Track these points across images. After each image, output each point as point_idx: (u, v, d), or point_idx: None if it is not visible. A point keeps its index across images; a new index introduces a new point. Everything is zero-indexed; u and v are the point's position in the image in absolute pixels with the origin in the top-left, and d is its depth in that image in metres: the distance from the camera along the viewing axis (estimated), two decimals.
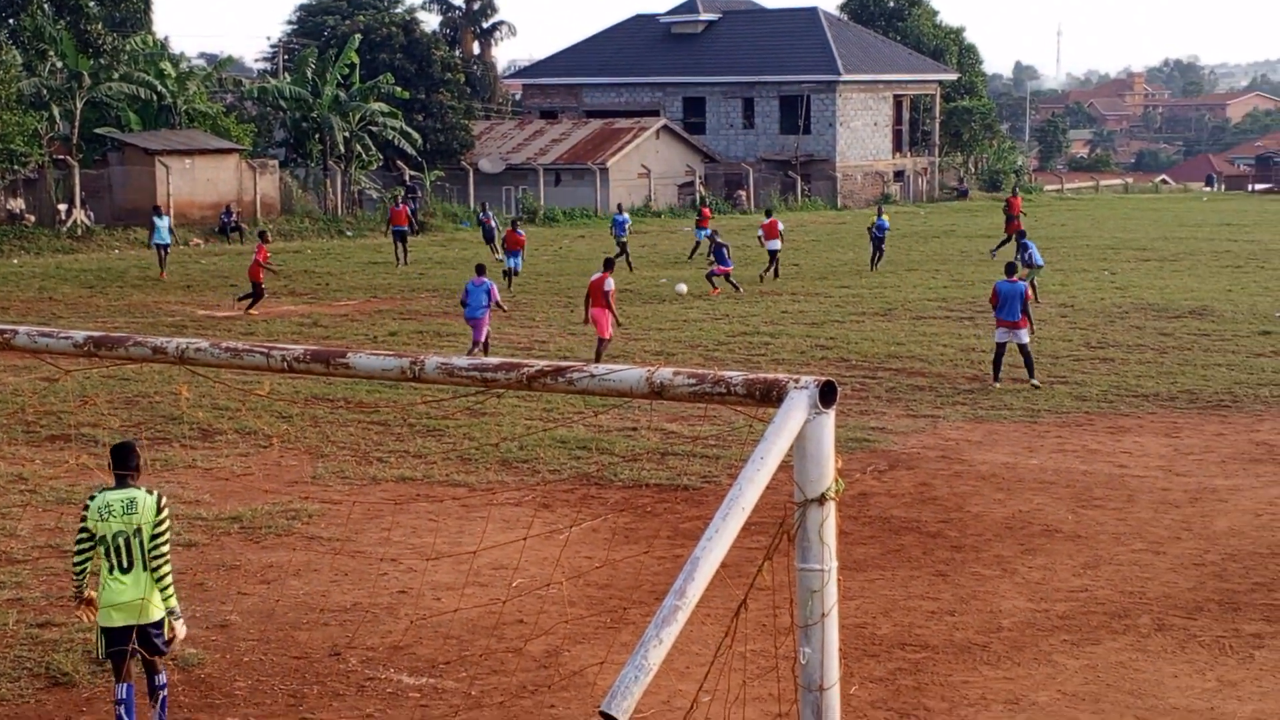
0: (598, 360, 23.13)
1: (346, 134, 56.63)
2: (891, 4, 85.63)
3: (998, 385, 22.11)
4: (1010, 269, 23.39)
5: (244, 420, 19.19)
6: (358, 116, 57.22)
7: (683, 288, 33.98)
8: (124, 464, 9.32)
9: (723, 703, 7.67)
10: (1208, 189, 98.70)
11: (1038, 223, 54.69)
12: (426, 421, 19.47)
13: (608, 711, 4.55)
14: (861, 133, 72.44)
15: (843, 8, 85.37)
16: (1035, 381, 22.14)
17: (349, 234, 52.38)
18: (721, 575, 10.62)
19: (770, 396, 5.21)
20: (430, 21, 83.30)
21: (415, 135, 58.73)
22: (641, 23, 78.30)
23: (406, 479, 16.67)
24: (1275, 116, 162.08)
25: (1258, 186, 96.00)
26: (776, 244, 37.21)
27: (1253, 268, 38.52)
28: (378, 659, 11.14)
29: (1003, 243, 42.29)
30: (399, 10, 71.26)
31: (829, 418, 5.15)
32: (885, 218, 41.12)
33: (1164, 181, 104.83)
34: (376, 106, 57.68)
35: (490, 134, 69.64)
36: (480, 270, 25.97)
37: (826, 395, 5.13)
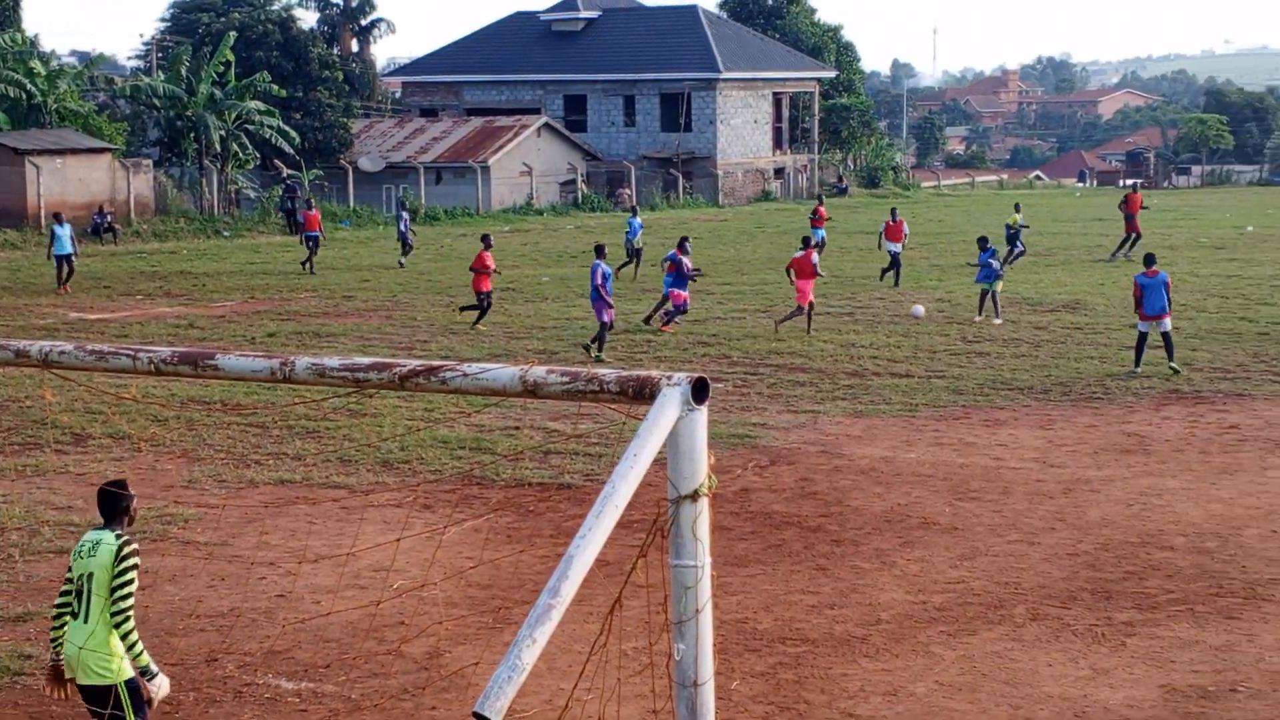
0: (790, 320, 27.58)
1: (222, 132, 55.85)
2: (770, 2, 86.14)
3: (1139, 371, 22.66)
4: (1149, 260, 23.53)
5: (116, 424, 18.85)
6: (234, 115, 56.46)
7: (920, 310, 29.55)
8: (106, 504, 8.36)
9: (600, 700, 7.66)
10: (1080, 185, 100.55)
11: (915, 218, 55.33)
12: (305, 423, 19.26)
13: (481, 712, 4.52)
14: (742, 130, 72.85)
15: (722, 6, 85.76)
16: (1174, 365, 22.70)
17: (226, 234, 51.67)
18: (604, 573, 10.61)
19: (643, 394, 5.21)
20: (308, 19, 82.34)
21: (293, 134, 58.07)
22: (522, 20, 78.09)
23: (285, 481, 16.47)
24: (1145, 113, 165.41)
25: (1128, 182, 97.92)
26: (897, 246, 35.61)
27: (1122, 261, 39.26)
28: (255, 664, 10.99)
29: (1124, 241, 40.71)
30: (275, 7, 70.34)
31: (701, 414, 5.16)
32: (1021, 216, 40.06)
33: (1038, 177, 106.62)
34: (253, 105, 56.95)
35: (370, 132, 69.07)
36: (599, 251, 26.43)
37: (699, 392, 5.14)
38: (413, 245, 41.69)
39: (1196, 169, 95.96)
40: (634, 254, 37.98)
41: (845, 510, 15.21)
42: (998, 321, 28.20)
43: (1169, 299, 22.76)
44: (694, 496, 5.14)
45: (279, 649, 11.24)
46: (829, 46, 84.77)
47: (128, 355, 6.23)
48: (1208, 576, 12.84)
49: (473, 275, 28.93)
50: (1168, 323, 22.70)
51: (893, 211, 37.17)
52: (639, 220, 41.33)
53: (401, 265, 40.39)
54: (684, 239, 29.68)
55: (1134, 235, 40.52)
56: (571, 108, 73.47)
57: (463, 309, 29.46)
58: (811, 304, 27.63)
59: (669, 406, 5.10)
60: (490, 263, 28.86)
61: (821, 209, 44.79)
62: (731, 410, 20.29)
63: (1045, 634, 11.51)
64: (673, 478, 5.16)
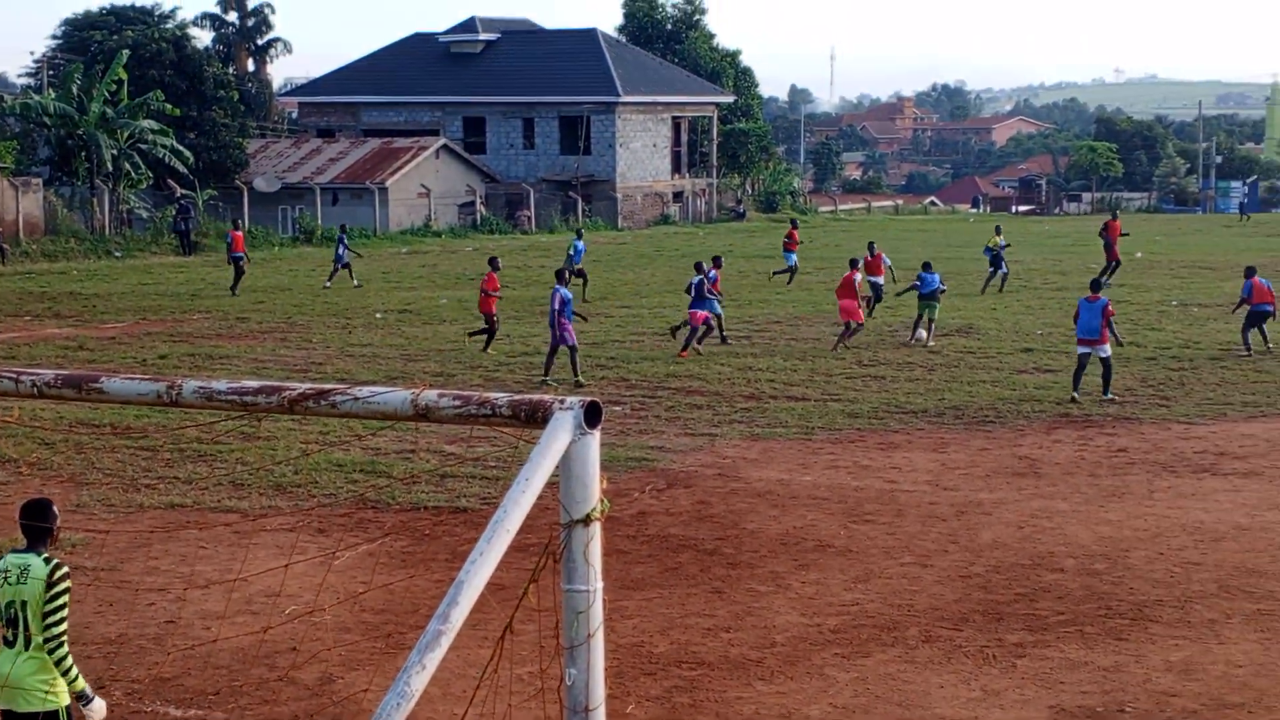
0: (845, 340, 28.35)
1: (114, 152, 55.10)
2: (669, 27, 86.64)
3: (1076, 395, 22.76)
4: (1094, 285, 23.98)
5: (1, 449, 18.48)
6: (126, 134, 55.73)
7: (923, 335, 29.40)
8: (30, 526, 7.98)
9: None
10: (974, 210, 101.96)
11: (813, 243, 55.80)
12: (196, 446, 19.00)
13: None
14: (641, 154, 73.10)
15: (621, 30, 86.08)
16: (1110, 396, 22.81)
17: (118, 254, 50.95)
18: (500, 597, 10.57)
19: (536, 418, 5.19)
20: (203, 38, 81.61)
21: (187, 153, 57.45)
22: (420, 42, 77.89)
23: (175, 505, 16.23)
24: (1037, 140, 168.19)
25: (1021, 208, 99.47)
26: (879, 279, 34.76)
27: (1016, 286, 39.83)
28: (143, 691, 10.80)
29: (1106, 270, 40.43)
30: (170, 26, 69.58)
31: (594, 438, 5.15)
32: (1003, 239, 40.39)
33: (933, 203, 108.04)
34: (146, 124, 56.25)
35: (265, 152, 68.49)
36: (559, 276, 25.90)
37: (591, 416, 5.13)
38: (349, 265, 41.22)
39: (1087, 196, 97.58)
40: (581, 274, 37.67)
41: (741, 533, 15.25)
42: (931, 344, 28.77)
43: (1111, 326, 23.03)
44: (586, 521, 5.12)
45: (168, 676, 11.06)
46: (727, 72, 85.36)
47: (9, 378, 6.11)
48: (1096, 598, 13.01)
49: (480, 297, 28.71)
50: (1107, 349, 22.93)
51: (870, 246, 36.15)
52: (583, 243, 41.29)
53: (327, 287, 40.27)
54: (718, 257, 30.78)
55: (1114, 262, 40.85)
56: (470, 130, 73.34)
57: (471, 334, 29.14)
58: (860, 323, 28.76)
59: (561, 431, 5.08)
60: (497, 285, 28.70)
61: (795, 232, 44.71)
62: (629, 433, 20.30)
63: (938, 655, 11.61)
64: (565, 502, 5.14)
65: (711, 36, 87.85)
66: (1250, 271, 28.52)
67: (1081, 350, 22.96)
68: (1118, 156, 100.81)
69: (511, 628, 5.44)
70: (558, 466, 5.12)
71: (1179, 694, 10.76)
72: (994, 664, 11.42)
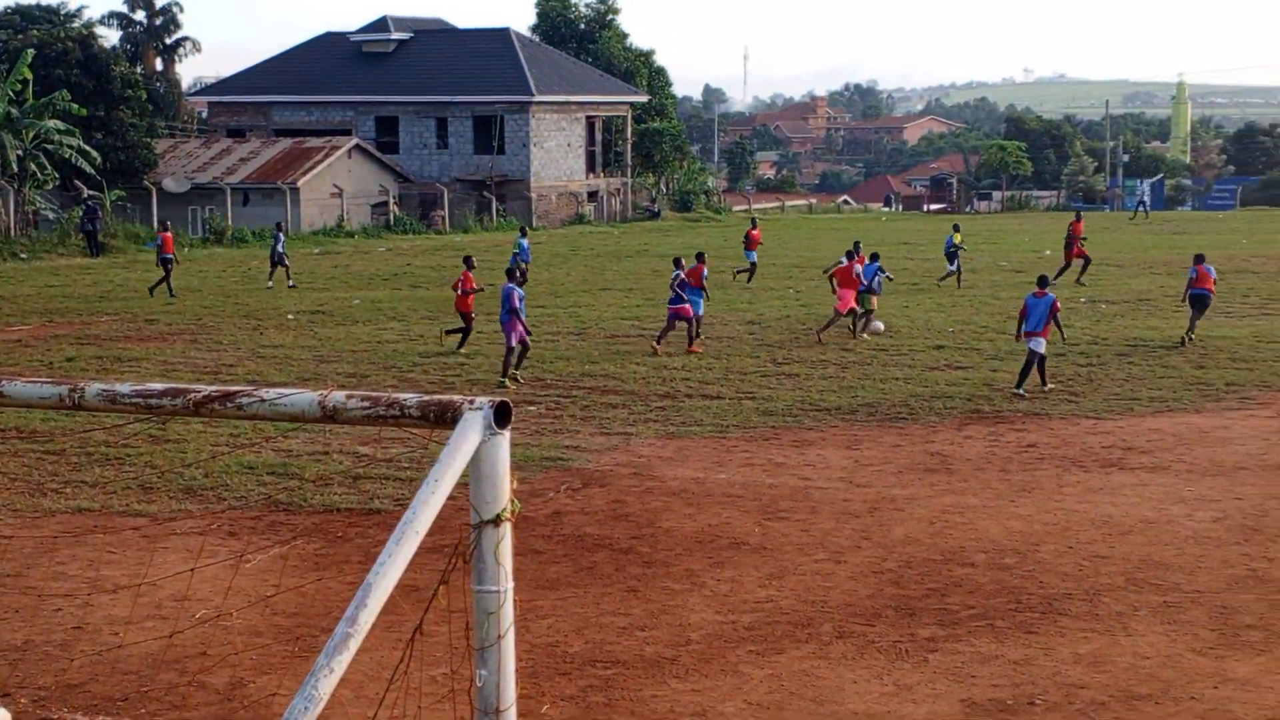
0: (829, 328, 29.26)
1: (20, 152, 54.21)
2: (582, 26, 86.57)
3: (1049, 388, 23.16)
4: (1041, 281, 24.20)
5: None
6: (31, 134, 54.83)
7: (879, 326, 30.45)
8: None
9: None
10: (886, 209, 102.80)
11: (726, 242, 55.99)
12: (104, 450, 18.74)
13: None
14: (555, 153, 72.99)
15: (534, 29, 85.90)
16: (1021, 391, 23.05)
17: (23, 256, 50.15)
18: (415, 598, 10.46)
19: (445, 418, 5.16)
20: (110, 37, 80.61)
21: (94, 154, 56.60)
22: (332, 41, 77.30)
23: (82, 510, 16.00)
24: (948, 139, 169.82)
25: (932, 206, 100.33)
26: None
27: (928, 285, 40.18)
28: (50, 698, 10.64)
29: (1064, 270, 40.64)
30: (76, 25, 68.58)
31: (504, 439, 5.12)
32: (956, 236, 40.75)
33: (846, 202, 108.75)
34: (52, 124, 55.37)
35: (175, 153, 67.68)
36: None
37: (501, 416, 5.10)
38: (288, 265, 40.98)
39: (997, 194, 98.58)
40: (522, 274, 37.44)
41: (657, 532, 15.26)
42: (866, 336, 29.56)
43: (1057, 322, 23.41)
44: (496, 521, 5.10)
45: (75, 682, 10.90)
46: (641, 71, 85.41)
47: None
48: (1007, 592, 13.15)
49: (456, 297, 28.58)
50: (1041, 343, 23.21)
51: (856, 245, 35.99)
52: (527, 241, 41.12)
53: (269, 287, 40.05)
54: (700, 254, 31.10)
55: (1084, 261, 41.06)
56: (383, 129, 72.89)
57: (447, 332, 28.99)
58: (853, 310, 29.56)
59: (471, 431, 5.05)
60: (473, 284, 28.54)
61: (754, 231, 44.66)
62: (545, 433, 20.27)
63: (851, 651, 11.68)
64: (475, 503, 5.11)
65: (625, 36, 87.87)
66: (1199, 259, 29.37)
67: (1030, 345, 23.43)
68: (1027, 155, 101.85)
69: (422, 629, 5.41)
70: (468, 467, 5.09)
71: (1088, 686, 10.89)
72: (906, 659, 11.51)
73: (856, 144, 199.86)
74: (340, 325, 32.20)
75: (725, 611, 12.68)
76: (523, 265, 36.93)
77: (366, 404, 5.27)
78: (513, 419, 5.16)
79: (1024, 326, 23.46)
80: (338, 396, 5.30)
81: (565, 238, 63.06)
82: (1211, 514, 15.83)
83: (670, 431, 20.56)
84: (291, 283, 40.50)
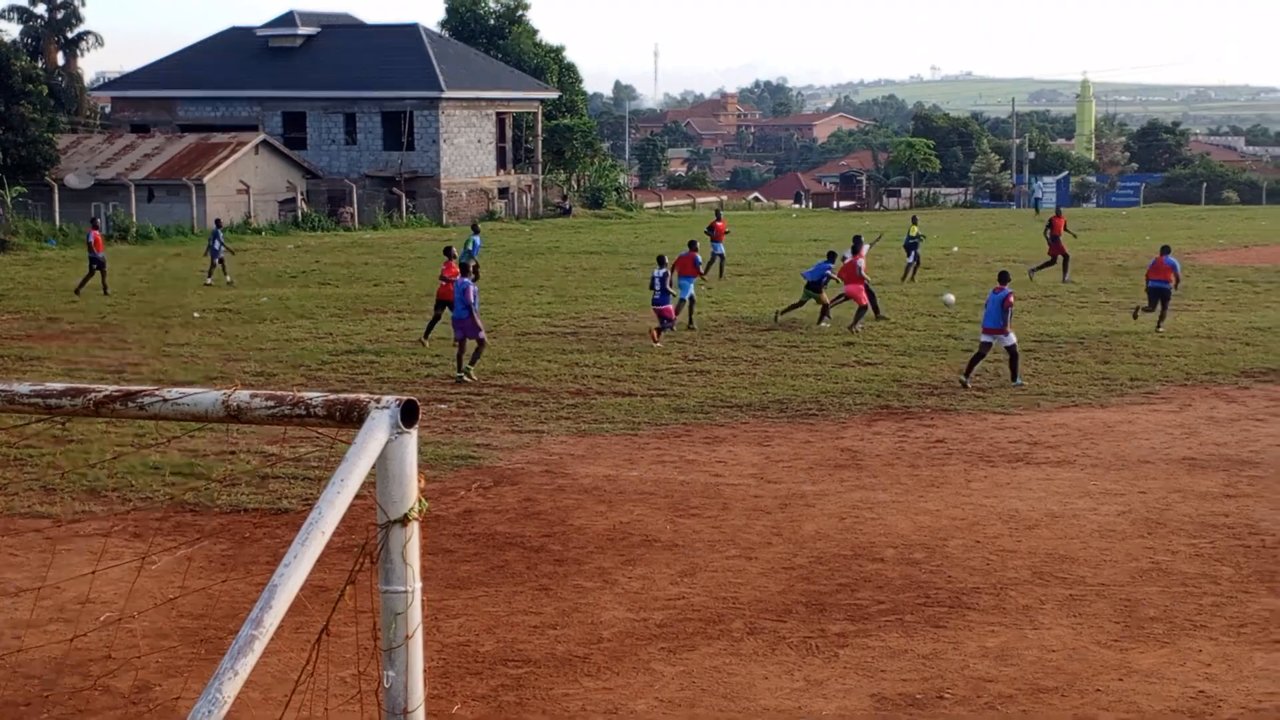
0: (860, 322, 30.31)
1: None
2: (492, 22, 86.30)
3: (965, 381, 23.39)
4: (1002, 276, 24.26)
5: None
6: None
7: (950, 298, 32.73)
8: None
9: None
10: (797, 206, 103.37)
11: (637, 239, 56.03)
12: (5, 450, 18.40)
13: None
14: (465, 149, 72.69)
15: (443, 25, 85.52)
16: (1020, 382, 23.48)
17: None
18: (324, 599, 10.36)
19: (351, 417, 5.10)
20: (10, 30, 79.31)
21: None
22: (238, 36, 76.50)
23: None
24: (857, 137, 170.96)
25: (842, 204, 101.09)
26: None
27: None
28: None
29: (1065, 264, 40.69)
30: None
31: (411, 437, 5.08)
32: (916, 230, 41.44)
33: (756, 199, 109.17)
34: None
35: (78, 148, 66.65)
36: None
37: (408, 415, 5.06)
38: (223, 260, 40.66)
39: (906, 191, 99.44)
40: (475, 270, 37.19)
41: (568, 529, 15.23)
42: (824, 326, 30.61)
43: (1006, 317, 23.62)
44: (404, 521, 5.05)
45: None
46: (551, 68, 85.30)
47: None
48: (916, 587, 13.25)
49: (440, 286, 28.39)
50: (1010, 337, 23.66)
51: (857, 239, 35.79)
52: (479, 238, 40.83)
53: (209, 284, 39.74)
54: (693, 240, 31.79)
55: (1064, 257, 41.13)
56: (291, 125, 72.24)
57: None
58: (871, 298, 30.90)
59: (377, 430, 5.00)
60: (456, 272, 28.22)
61: (719, 224, 44.33)
62: (455, 431, 20.17)
63: (762, 647, 11.71)
64: (381, 502, 5.06)
65: (535, 32, 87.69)
66: (1164, 250, 30.22)
67: (984, 339, 23.73)
68: (935, 153, 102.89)
69: (329, 630, 5.35)
70: (375, 466, 5.04)
71: (995, 679, 11.00)
72: (817, 654, 11.56)
73: (767, 141, 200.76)
74: (248, 323, 31.86)
75: (637, 609, 12.67)
76: (475, 261, 36.79)
77: (271, 403, 5.20)
78: (421, 418, 5.11)
79: (984, 322, 23.89)
80: (242, 396, 5.23)
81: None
82: (1116, 508, 16.04)
83: (582, 429, 20.53)
84: (230, 280, 40.27)
